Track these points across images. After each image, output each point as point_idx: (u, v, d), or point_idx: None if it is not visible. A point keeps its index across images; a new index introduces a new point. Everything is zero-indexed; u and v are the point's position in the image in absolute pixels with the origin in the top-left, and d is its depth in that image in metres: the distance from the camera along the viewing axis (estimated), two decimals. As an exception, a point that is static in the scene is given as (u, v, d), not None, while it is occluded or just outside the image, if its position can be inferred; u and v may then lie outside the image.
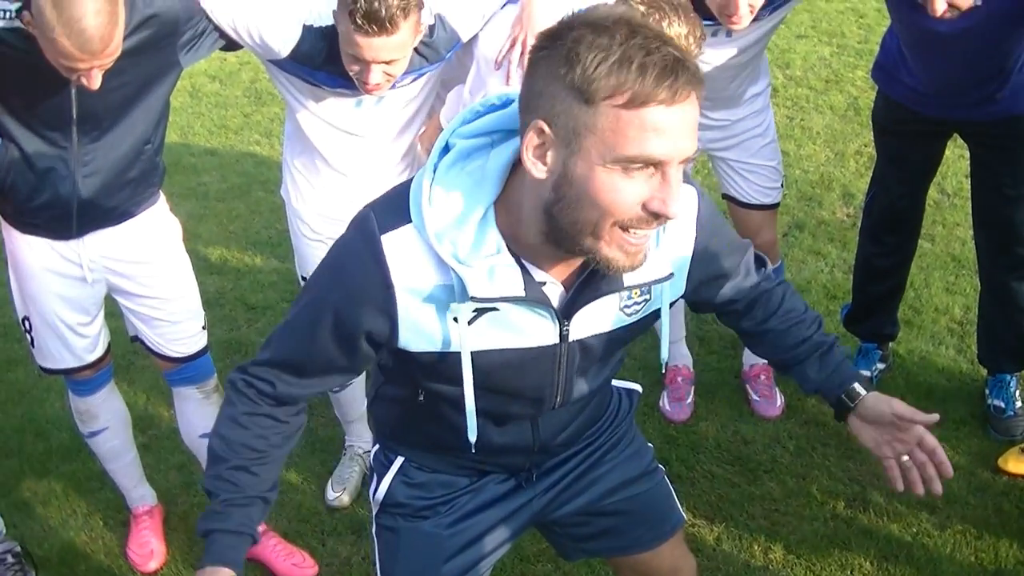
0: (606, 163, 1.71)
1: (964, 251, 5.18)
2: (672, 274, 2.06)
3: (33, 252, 3.33)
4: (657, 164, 1.73)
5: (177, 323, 3.51)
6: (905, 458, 2.36)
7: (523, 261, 1.93)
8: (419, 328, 2.00)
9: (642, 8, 2.98)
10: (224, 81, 8.01)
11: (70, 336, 3.46)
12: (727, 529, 3.83)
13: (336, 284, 2.03)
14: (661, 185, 1.75)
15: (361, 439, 4.17)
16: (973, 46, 3.51)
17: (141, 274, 3.43)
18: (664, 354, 2.29)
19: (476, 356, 2.04)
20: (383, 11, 2.95)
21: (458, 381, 2.08)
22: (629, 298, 2.09)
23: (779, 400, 4.39)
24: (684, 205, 2.02)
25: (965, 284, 5.02)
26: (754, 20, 3.53)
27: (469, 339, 2.01)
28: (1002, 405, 4.21)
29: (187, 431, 3.73)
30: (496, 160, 1.88)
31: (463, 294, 1.91)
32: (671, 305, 2.20)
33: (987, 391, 4.28)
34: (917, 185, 4.17)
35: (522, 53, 3.18)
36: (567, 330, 2.05)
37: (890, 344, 4.56)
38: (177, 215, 3.63)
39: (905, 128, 3.97)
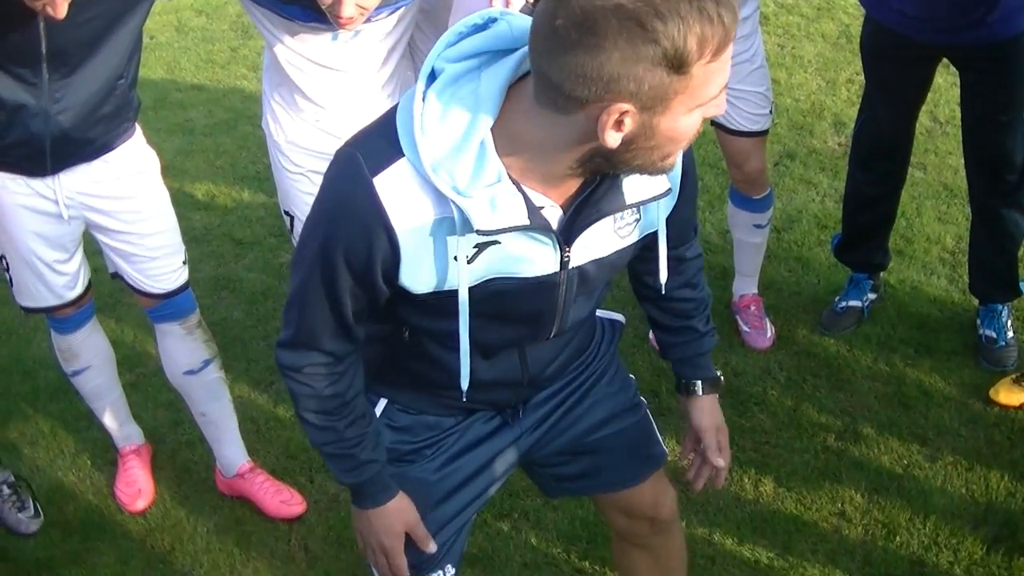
0: (691, 110, 1.70)
1: (956, 180, 5.13)
2: (670, 189, 2.02)
3: (8, 190, 3.28)
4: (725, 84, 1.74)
5: (156, 259, 3.46)
6: (691, 456, 2.65)
7: (522, 187, 1.86)
8: (421, 266, 1.93)
9: None
10: (210, 15, 7.92)
11: (48, 274, 3.42)
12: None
13: (337, 236, 1.94)
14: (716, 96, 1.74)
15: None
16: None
17: (118, 209, 3.38)
18: (663, 276, 2.23)
19: (475, 289, 1.98)
20: None
21: (453, 317, 2.02)
22: (622, 218, 2.03)
23: (770, 331, 4.36)
24: None
25: (957, 213, 4.98)
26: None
27: (469, 276, 1.95)
28: (993, 335, 4.19)
29: (171, 368, 3.70)
30: (489, 84, 1.80)
31: (465, 226, 1.85)
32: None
33: (978, 321, 4.25)
34: (906, 111, 4.12)
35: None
36: (568, 257, 1.99)
37: (881, 274, 4.52)
38: (164, 151, 3.59)
39: (894, 53, 3.91)
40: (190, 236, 3.53)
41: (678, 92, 1.65)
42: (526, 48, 1.75)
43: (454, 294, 1.97)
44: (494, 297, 2.01)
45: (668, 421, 3.80)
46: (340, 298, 2.01)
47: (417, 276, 1.95)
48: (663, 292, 2.36)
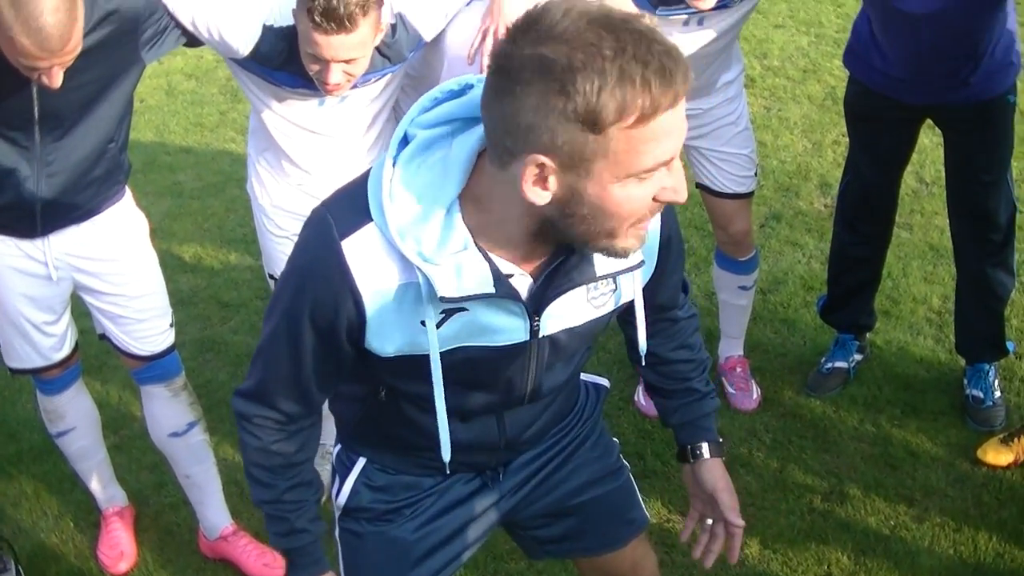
0: (620, 179, 1.66)
1: (942, 240, 5.13)
2: (643, 262, 2.01)
3: (-3, 252, 3.30)
4: (667, 161, 1.69)
5: (143, 321, 3.47)
6: (709, 521, 2.51)
7: (490, 255, 1.86)
8: (388, 331, 1.94)
9: None
10: (200, 79, 7.95)
11: (36, 335, 3.42)
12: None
13: (304, 294, 1.95)
14: (668, 175, 1.71)
15: (330, 437, 4.10)
16: (945, 28, 3.49)
17: (107, 271, 3.39)
18: (642, 346, 2.23)
19: (445, 355, 1.98)
20: (341, 8, 2.91)
21: (426, 381, 2.02)
22: (596, 288, 2.02)
23: (755, 393, 4.36)
24: None
25: (943, 274, 4.99)
26: (726, 7, 3.52)
27: (438, 341, 1.95)
28: (980, 395, 4.19)
29: (155, 430, 3.69)
30: (459, 151, 1.80)
31: (431, 294, 1.85)
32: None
33: (965, 381, 4.26)
34: (891, 172, 4.14)
35: (494, 44, 3.14)
36: (537, 326, 1.99)
37: (867, 335, 4.53)
38: (152, 213, 3.61)
39: (877, 114, 3.95)
40: (177, 298, 3.54)
41: (597, 155, 1.63)
42: None
43: (422, 359, 1.98)
44: (463, 364, 2.01)
45: (653, 483, 3.79)
46: (303, 357, 2.03)
47: (383, 339, 1.96)
48: (649, 359, 2.36)
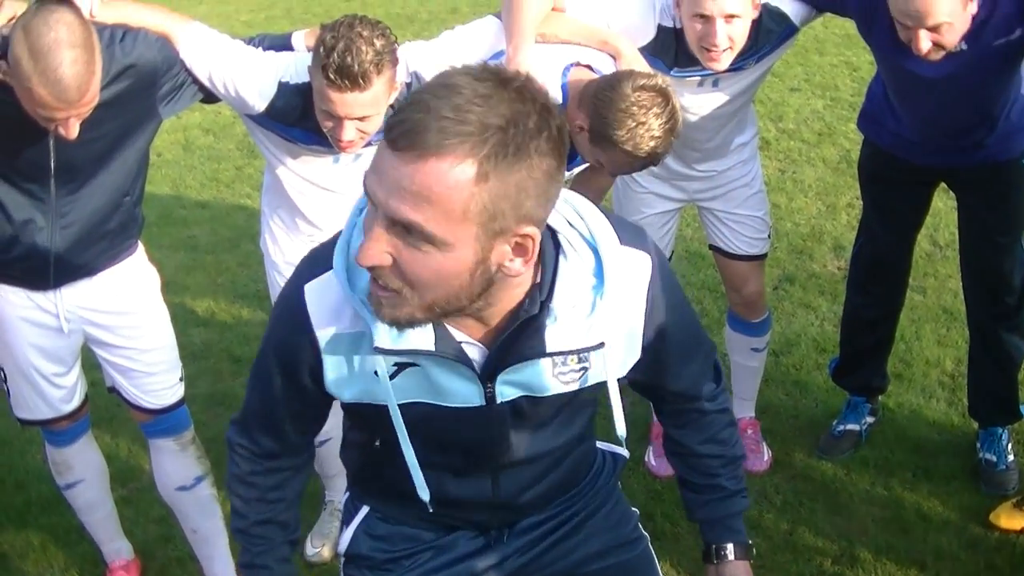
0: None
1: (956, 303, 5.13)
2: (602, 343, 1.98)
3: (9, 303, 3.31)
4: None
5: (153, 374, 3.47)
6: None
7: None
8: (344, 377, 2.01)
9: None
10: (217, 134, 8.02)
11: (46, 386, 3.43)
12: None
13: (273, 333, 2.08)
14: None
15: (341, 494, 4.10)
16: (959, 91, 3.49)
17: (118, 324, 3.40)
18: (619, 430, 2.19)
19: (404, 408, 2.02)
20: (356, 66, 2.94)
21: (390, 430, 2.06)
22: (564, 364, 2.01)
23: (766, 454, 4.34)
24: (630, 274, 2.00)
25: (957, 337, 4.98)
26: (740, 69, 3.53)
27: (392, 391, 1.99)
28: (993, 459, 4.16)
29: (163, 483, 3.68)
30: None
31: (372, 343, 1.89)
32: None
33: (978, 445, 4.23)
34: (904, 235, 4.14)
35: None
36: (491, 391, 2.00)
37: (879, 397, 4.51)
38: (165, 267, 3.62)
39: (891, 176, 3.95)
40: (189, 352, 3.55)
41: None
42: None
43: (382, 408, 2.02)
44: (422, 421, 2.03)
45: (663, 545, 3.77)
46: (272, 395, 2.12)
47: (340, 385, 2.02)
48: (676, 448, 2.39)
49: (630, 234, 2.02)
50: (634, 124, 2.96)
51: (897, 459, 4.30)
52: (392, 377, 1.97)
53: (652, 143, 2.99)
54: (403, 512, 2.35)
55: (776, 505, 4.12)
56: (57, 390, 3.46)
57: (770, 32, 3.48)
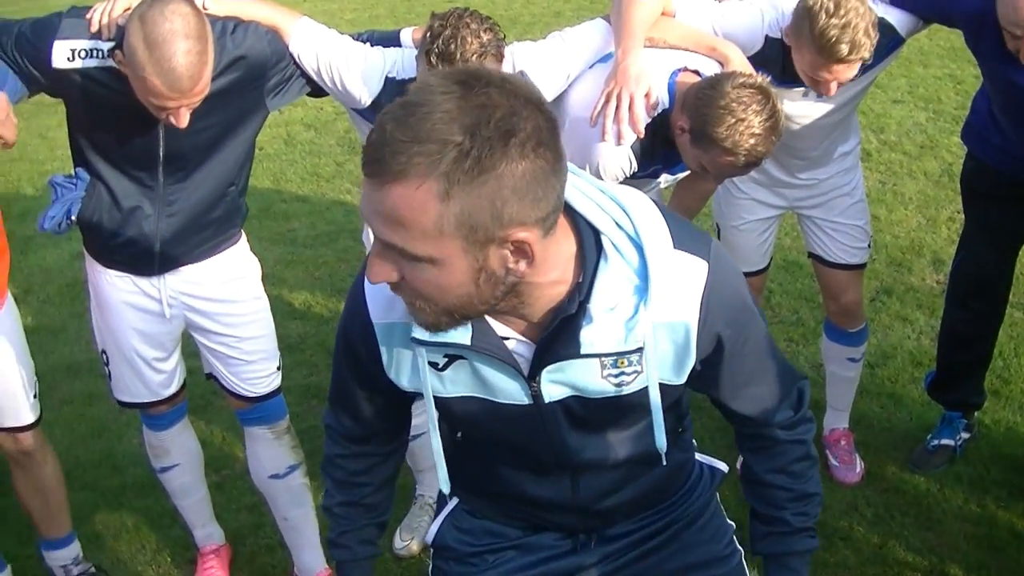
0: None
1: (1057, 322, 5.07)
2: (640, 348, 1.93)
3: (114, 287, 3.38)
4: None
5: (252, 363, 3.53)
6: None
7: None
8: (399, 366, 2.06)
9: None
10: (319, 130, 8.10)
11: (146, 370, 3.49)
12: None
13: (342, 319, 2.16)
14: None
15: (432, 488, 4.15)
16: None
17: (219, 312, 3.45)
18: (659, 443, 2.12)
19: (454, 402, 2.05)
20: (459, 55, 2.97)
21: (469, 426, 2.11)
22: (613, 366, 1.96)
23: (859, 466, 4.30)
24: (681, 279, 1.93)
25: (1057, 355, 4.90)
26: (845, 80, 3.50)
27: (437, 382, 2.02)
28: (1090, 480, 4.09)
29: (257, 471, 3.73)
30: None
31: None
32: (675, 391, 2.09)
33: (1074, 464, 4.16)
34: (1006, 251, 4.08)
35: (618, 107, 3.15)
36: (537, 389, 1.99)
37: (975, 413, 4.45)
38: (265, 260, 3.66)
39: (995, 191, 3.90)
40: (285, 344, 3.59)
41: None
42: None
43: (437, 400, 2.06)
44: (479, 416, 2.05)
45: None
46: (345, 377, 2.22)
47: (398, 373, 2.07)
48: (746, 472, 2.33)
49: (689, 238, 1.96)
50: (734, 120, 2.95)
51: (992, 476, 4.24)
52: (443, 369, 1.99)
53: (752, 140, 2.97)
54: (488, 507, 2.36)
55: (867, 517, 4.07)
56: (157, 374, 3.52)
57: (876, 43, 3.45)
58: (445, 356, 1.98)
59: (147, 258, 3.32)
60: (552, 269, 1.82)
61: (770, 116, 2.98)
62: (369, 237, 3.77)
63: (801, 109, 3.60)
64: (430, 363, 2.00)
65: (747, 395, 2.17)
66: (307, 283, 6.03)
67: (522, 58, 3.34)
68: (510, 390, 2.00)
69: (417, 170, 1.59)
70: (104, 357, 3.53)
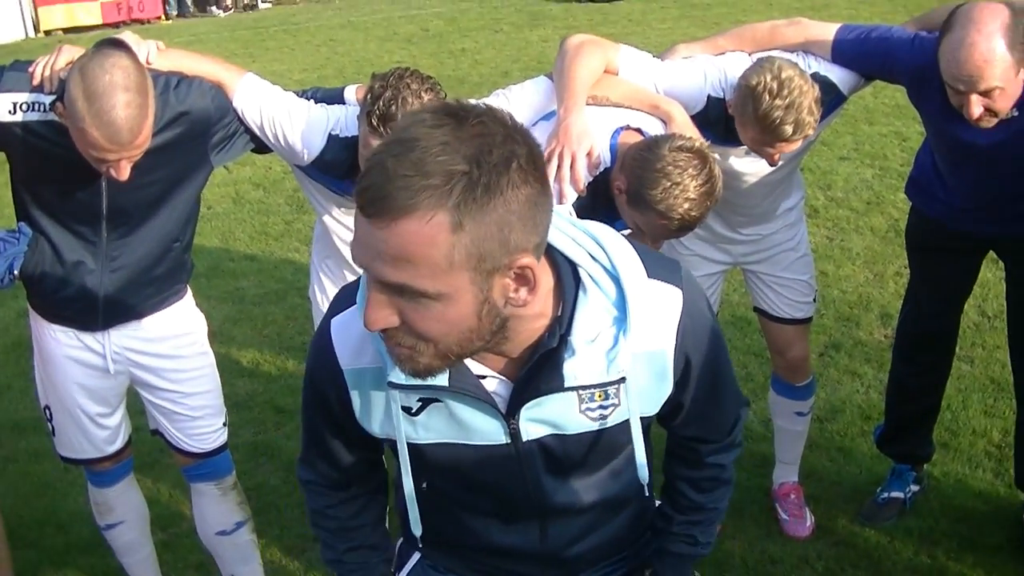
0: None
1: (1004, 374, 5.08)
2: (623, 378, 1.94)
3: (58, 342, 3.35)
4: None
5: (198, 418, 3.49)
6: None
7: None
8: (370, 412, 2.03)
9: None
10: (268, 189, 8.11)
11: (90, 426, 3.45)
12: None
13: (309, 367, 2.11)
14: None
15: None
16: (1010, 158, 3.46)
17: (164, 367, 3.42)
18: (642, 474, 2.13)
19: (428, 449, 2.02)
20: (399, 115, 2.97)
21: (437, 475, 2.07)
22: (591, 400, 1.97)
23: (809, 520, 4.29)
24: (657, 308, 1.95)
25: (1004, 407, 4.92)
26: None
27: (410, 427, 2.00)
28: (1040, 531, 4.10)
29: (203, 528, 3.69)
30: None
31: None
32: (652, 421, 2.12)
33: (1024, 516, 4.17)
34: (951, 304, 4.11)
35: (559, 166, 3.12)
36: (516, 428, 1.98)
37: (925, 466, 4.46)
38: (213, 318, 3.65)
39: (939, 244, 3.93)
40: (232, 401, 3.57)
41: None
42: None
43: (408, 447, 2.03)
44: (451, 463, 2.03)
45: None
46: (316, 426, 2.18)
47: (370, 420, 2.05)
48: (666, 470, 2.35)
49: (660, 267, 1.98)
50: (669, 184, 2.92)
51: (942, 528, 4.24)
52: (416, 414, 1.97)
53: (686, 205, 2.94)
54: (453, 559, 2.33)
55: (818, 571, 4.06)
56: (102, 430, 3.48)
57: (819, 102, 3.48)
58: (419, 400, 1.96)
59: (91, 313, 3.29)
60: (536, 303, 1.81)
61: (706, 181, 2.96)
62: (315, 294, 3.76)
63: (744, 166, 3.62)
64: (403, 407, 1.97)
65: (695, 414, 2.18)
66: (255, 341, 6.00)
67: None
68: (487, 430, 1.98)
69: (427, 203, 1.58)
70: (47, 413, 3.49)
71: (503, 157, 1.61)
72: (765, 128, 3.24)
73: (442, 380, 1.87)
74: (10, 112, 2.97)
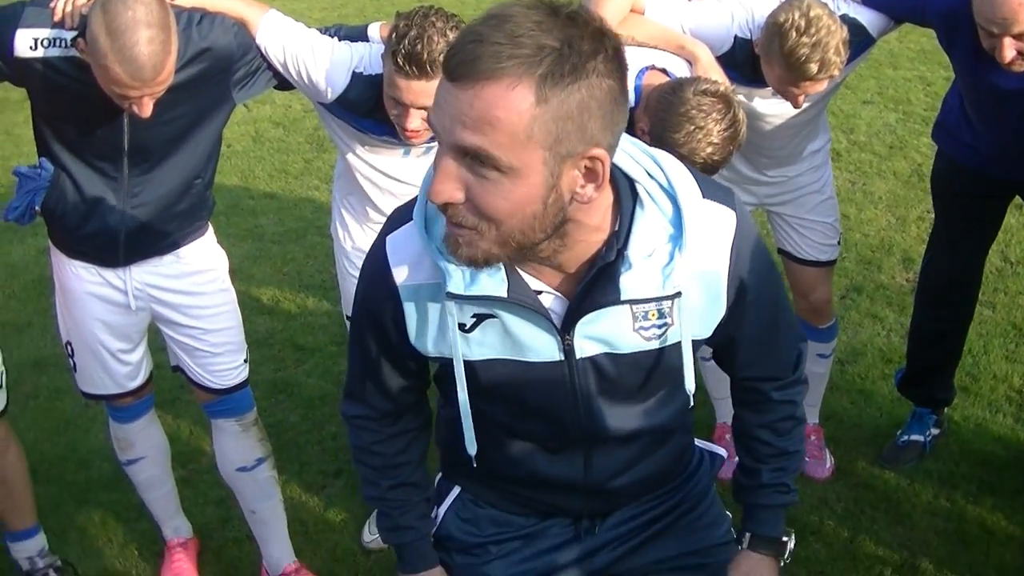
0: None
1: (1026, 320, 5.09)
2: (679, 293, 1.95)
3: (79, 278, 3.34)
4: None
5: (219, 355, 3.49)
6: None
7: (518, 267, 1.90)
8: (425, 330, 2.02)
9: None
10: (288, 127, 8.07)
11: (111, 362, 3.46)
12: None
13: (361, 290, 2.11)
14: None
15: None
16: (1040, 104, 3.44)
17: (185, 304, 3.42)
18: (689, 385, 2.12)
19: (480, 366, 2.02)
20: (425, 55, 2.95)
21: (487, 400, 2.05)
22: (645, 318, 1.98)
23: (829, 462, 4.30)
24: (711, 227, 1.97)
25: (1025, 353, 4.92)
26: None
27: (463, 344, 1.99)
28: (1059, 476, 4.10)
29: (224, 464, 3.70)
30: None
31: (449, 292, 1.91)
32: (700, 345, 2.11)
33: (1044, 460, 4.17)
34: (975, 249, 4.09)
35: None
36: (570, 344, 1.98)
37: (945, 410, 4.45)
38: (232, 256, 3.64)
39: (965, 190, 3.90)
40: (252, 339, 3.57)
41: None
42: None
43: (463, 365, 2.02)
44: (503, 381, 2.02)
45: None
46: (368, 355, 2.17)
47: (423, 338, 2.04)
48: (735, 423, 2.37)
49: (715, 190, 2.00)
50: (692, 128, 2.91)
51: (961, 472, 4.24)
52: (470, 330, 1.97)
53: (709, 149, 2.93)
54: (494, 494, 2.34)
55: (837, 512, 4.07)
56: (123, 366, 3.49)
57: (846, 43, 3.44)
58: (474, 316, 1.96)
59: (112, 249, 3.29)
60: (596, 212, 1.84)
61: (730, 125, 2.94)
62: (337, 230, 3.75)
63: (770, 108, 3.59)
64: (458, 324, 1.97)
65: (756, 349, 2.20)
66: (275, 279, 6.00)
67: None
68: (541, 345, 1.98)
69: (516, 71, 1.61)
70: (69, 349, 3.49)
71: (592, 47, 1.64)
72: (790, 66, 3.21)
73: (501, 291, 1.88)
74: (31, 48, 2.95)
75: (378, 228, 3.52)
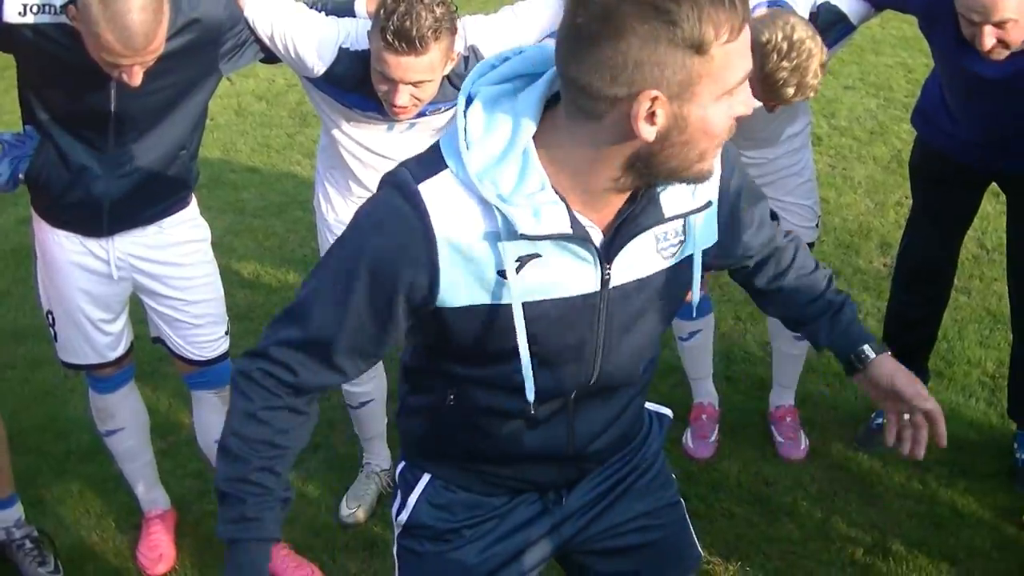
0: (717, 97, 1.73)
1: (1001, 307, 5.11)
2: (710, 202, 2.03)
3: (62, 247, 3.35)
4: (746, 76, 1.78)
5: (200, 326, 3.51)
6: (906, 416, 2.38)
7: (566, 201, 1.88)
8: (461, 282, 1.91)
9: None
10: (271, 101, 8.06)
11: (92, 332, 3.47)
12: (742, 569, 3.77)
13: (373, 241, 1.91)
14: (742, 91, 1.78)
15: (379, 457, 4.16)
16: (1019, 93, 3.46)
17: (167, 275, 3.43)
18: (695, 297, 2.17)
19: (525, 308, 1.95)
20: (414, 30, 2.96)
21: (506, 342, 1.98)
22: (665, 238, 2.03)
23: (803, 443, 4.33)
24: None
25: (1000, 339, 4.95)
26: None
27: (498, 292, 1.93)
28: (1030, 460, 4.13)
29: (203, 435, 3.72)
30: (526, 100, 1.85)
31: (511, 234, 1.85)
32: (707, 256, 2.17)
33: (1015, 445, 4.20)
34: (952, 235, 4.12)
35: None
36: (608, 274, 1.98)
37: (919, 394, 4.48)
38: (214, 228, 3.65)
39: (943, 176, 3.93)
40: (233, 313, 3.58)
41: (702, 76, 1.69)
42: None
43: (498, 310, 1.95)
44: (539, 321, 1.97)
45: (695, 525, 3.76)
46: (347, 314, 1.95)
47: (458, 292, 1.92)
48: (771, 291, 2.44)
49: None
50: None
51: (934, 456, 4.19)
52: (516, 272, 1.91)
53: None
54: (469, 476, 2.31)
55: (811, 493, 4.11)
56: (104, 336, 3.50)
57: (827, 30, 3.46)
58: (518, 260, 1.90)
59: (95, 219, 3.30)
60: None
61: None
62: (320, 203, 3.76)
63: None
64: (498, 272, 1.91)
65: (762, 233, 2.32)
66: (256, 253, 6.01)
67: (473, 32, 3.33)
68: (581, 278, 1.96)
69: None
70: (50, 318, 3.50)
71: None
72: (768, 87, 3.24)
73: (566, 227, 1.86)
74: (20, 14, 2.94)
75: (360, 202, 3.55)
